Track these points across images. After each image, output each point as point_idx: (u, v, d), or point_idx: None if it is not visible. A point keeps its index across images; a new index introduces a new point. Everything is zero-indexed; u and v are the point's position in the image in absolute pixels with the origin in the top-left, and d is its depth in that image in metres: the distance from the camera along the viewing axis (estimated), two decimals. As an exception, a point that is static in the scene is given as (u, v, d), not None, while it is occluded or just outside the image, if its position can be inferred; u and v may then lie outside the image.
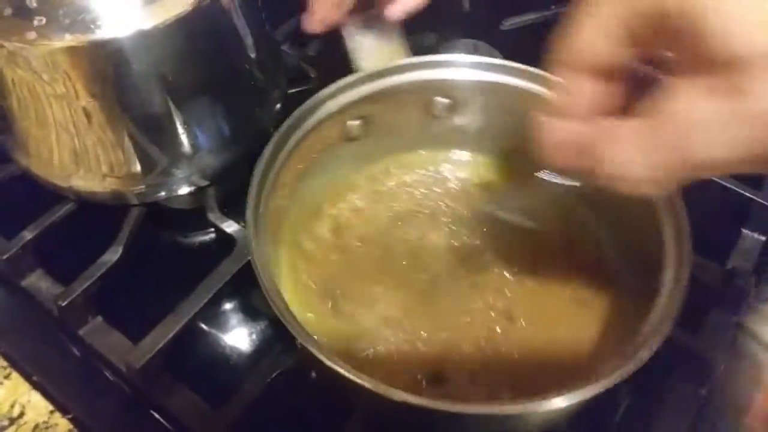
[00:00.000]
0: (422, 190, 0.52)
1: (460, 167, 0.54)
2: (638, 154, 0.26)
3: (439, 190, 0.52)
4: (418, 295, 0.45)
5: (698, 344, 0.42)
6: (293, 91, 0.57)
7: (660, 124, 0.26)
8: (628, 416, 0.42)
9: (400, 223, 0.50)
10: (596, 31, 0.27)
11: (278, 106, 0.54)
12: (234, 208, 0.50)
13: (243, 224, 0.47)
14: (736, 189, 0.51)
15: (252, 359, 0.47)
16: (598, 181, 0.28)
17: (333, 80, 0.48)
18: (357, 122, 0.50)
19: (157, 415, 0.42)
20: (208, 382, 0.44)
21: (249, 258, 0.44)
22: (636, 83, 0.30)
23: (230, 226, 0.48)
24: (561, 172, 0.36)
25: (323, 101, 0.47)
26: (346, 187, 0.52)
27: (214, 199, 0.51)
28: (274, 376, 0.41)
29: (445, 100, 0.50)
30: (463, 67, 0.49)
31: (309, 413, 0.43)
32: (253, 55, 0.51)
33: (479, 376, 0.41)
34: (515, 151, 0.51)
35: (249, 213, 0.40)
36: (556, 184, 0.40)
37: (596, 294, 0.45)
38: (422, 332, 0.43)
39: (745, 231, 0.51)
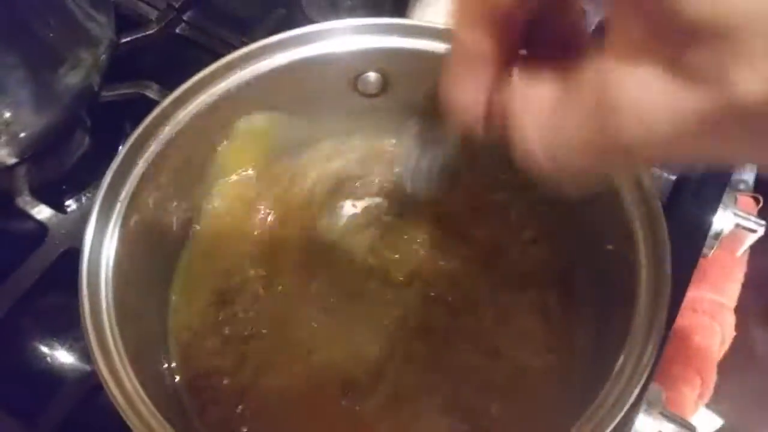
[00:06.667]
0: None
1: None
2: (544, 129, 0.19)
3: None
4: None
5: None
6: (127, 39, 0.46)
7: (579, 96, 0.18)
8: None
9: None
10: None
11: (103, 57, 0.43)
12: (47, 192, 0.42)
13: (57, 211, 0.41)
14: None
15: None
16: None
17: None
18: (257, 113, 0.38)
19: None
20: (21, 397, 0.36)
21: (62, 249, 0.39)
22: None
23: (41, 212, 0.40)
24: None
25: (214, 80, 0.36)
26: (244, 187, 0.41)
27: (25, 182, 0.42)
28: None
29: (376, 75, 0.40)
30: (396, 33, 0.37)
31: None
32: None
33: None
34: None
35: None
36: None
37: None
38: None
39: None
